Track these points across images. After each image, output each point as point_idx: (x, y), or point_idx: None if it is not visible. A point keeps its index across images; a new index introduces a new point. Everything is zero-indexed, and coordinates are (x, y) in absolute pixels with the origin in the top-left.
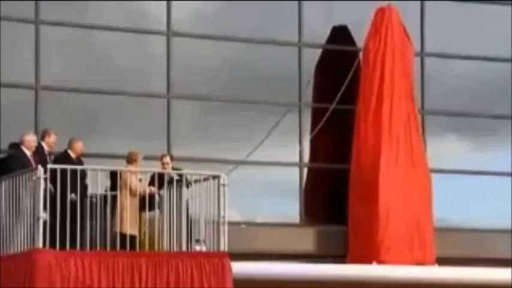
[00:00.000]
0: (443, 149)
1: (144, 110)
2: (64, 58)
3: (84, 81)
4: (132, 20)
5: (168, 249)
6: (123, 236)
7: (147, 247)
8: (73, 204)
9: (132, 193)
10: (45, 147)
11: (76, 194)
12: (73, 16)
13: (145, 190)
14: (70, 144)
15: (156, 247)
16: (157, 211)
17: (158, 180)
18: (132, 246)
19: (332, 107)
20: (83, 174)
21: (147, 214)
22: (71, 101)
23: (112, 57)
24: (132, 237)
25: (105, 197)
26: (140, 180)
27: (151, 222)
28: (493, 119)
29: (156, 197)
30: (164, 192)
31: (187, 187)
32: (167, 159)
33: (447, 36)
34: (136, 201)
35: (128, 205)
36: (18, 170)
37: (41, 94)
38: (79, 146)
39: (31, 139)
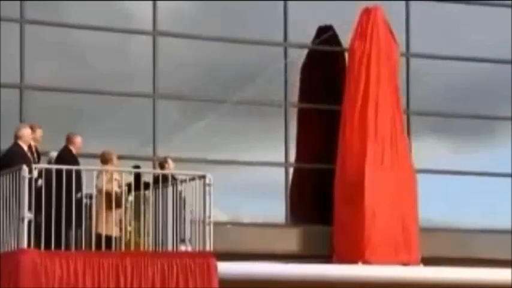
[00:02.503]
0: (424, 149)
1: (126, 110)
2: (46, 57)
3: (64, 81)
4: (113, 20)
5: (154, 249)
6: (99, 237)
7: (132, 247)
8: (78, 202)
9: (105, 193)
10: (32, 143)
11: (78, 193)
12: (53, 15)
13: (119, 189)
14: (70, 140)
15: (142, 247)
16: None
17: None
18: (110, 247)
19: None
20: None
21: (129, 214)
22: (55, 101)
23: (92, 57)
24: (110, 238)
25: (91, 197)
26: (115, 179)
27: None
28: (476, 120)
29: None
30: (150, 192)
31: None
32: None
33: (430, 36)
34: (116, 201)
35: (106, 206)
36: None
37: (26, 93)
38: (79, 141)
39: (29, 133)
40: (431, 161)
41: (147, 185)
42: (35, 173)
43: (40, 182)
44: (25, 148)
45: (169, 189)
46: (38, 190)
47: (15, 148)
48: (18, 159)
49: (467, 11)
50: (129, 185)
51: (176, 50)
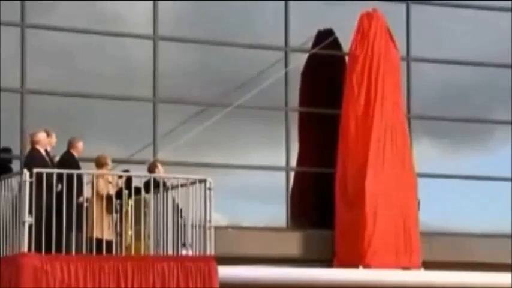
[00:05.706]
0: (422, 153)
1: (125, 114)
2: (43, 62)
3: (61, 85)
4: (110, 23)
5: (155, 253)
6: (95, 241)
7: (132, 251)
8: (79, 207)
9: (100, 197)
10: (48, 148)
11: (79, 198)
12: (47, 19)
13: (113, 191)
14: (72, 144)
15: (142, 251)
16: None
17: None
18: (107, 251)
19: None
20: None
21: (130, 218)
22: (54, 105)
23: (90, 60)
24: (107, 242)
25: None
26: (110, 183)
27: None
28: (472, 124)
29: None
30: (151, 196)
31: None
32: (160, 168)
33: (428, 39)
34: (110, 205)
35: (103, 210)
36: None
37: (26, 98)
38: (81, 146)
39: (45, 138)
40: (430, 164)
41: (147, 189)
42: (54, 178)
43: (60, 186)
44: (43, 152)
45: (169, 193)
46: (57, 195)
47: (34, 153)
48: (38, 163)
49: (465, 14)
50: (129, 189)
51: (175, 53)
